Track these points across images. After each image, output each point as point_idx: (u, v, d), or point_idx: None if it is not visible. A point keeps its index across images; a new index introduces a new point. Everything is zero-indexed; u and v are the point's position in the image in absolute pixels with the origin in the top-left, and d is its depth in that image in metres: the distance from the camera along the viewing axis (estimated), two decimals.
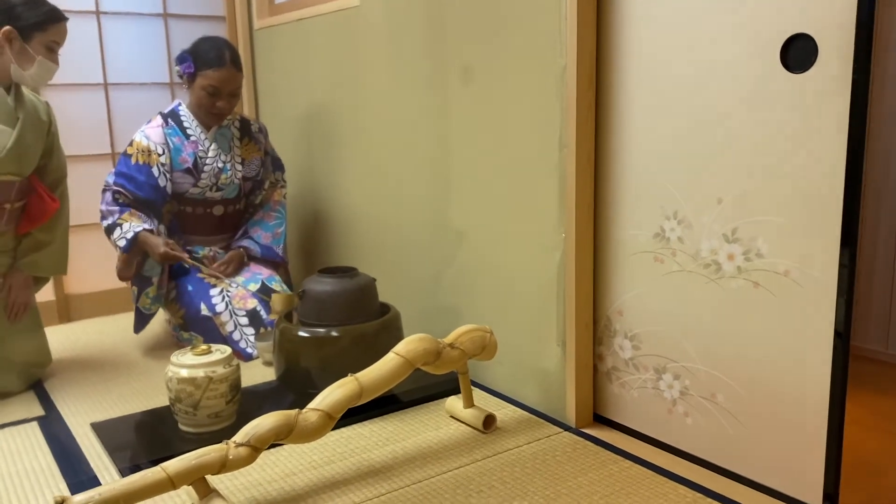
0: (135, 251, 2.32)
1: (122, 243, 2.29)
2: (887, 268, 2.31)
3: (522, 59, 1.77)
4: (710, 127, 1.47)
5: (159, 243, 2.27)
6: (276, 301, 2.28)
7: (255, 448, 1.43)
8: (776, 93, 1.35)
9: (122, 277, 2.40)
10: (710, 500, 1.43)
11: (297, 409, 1.49)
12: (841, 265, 1.30)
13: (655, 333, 1.64)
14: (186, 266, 2.38)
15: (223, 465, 1.39)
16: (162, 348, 2.45)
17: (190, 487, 1.40)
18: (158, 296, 2.41)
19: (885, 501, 1.50)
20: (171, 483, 1.34)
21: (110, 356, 2.41)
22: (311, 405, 1.51)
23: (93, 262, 2.82)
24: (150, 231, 2.30)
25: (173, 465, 1.36)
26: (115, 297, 2.87)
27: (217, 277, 2.42)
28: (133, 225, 2.30)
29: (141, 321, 2.45)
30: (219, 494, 1.40)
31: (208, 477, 1.40)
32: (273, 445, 1.63)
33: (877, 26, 1.23)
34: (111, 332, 2.67)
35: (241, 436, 1.43)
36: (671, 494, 1.45)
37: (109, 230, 2.33)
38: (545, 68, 1.71)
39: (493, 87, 1.87)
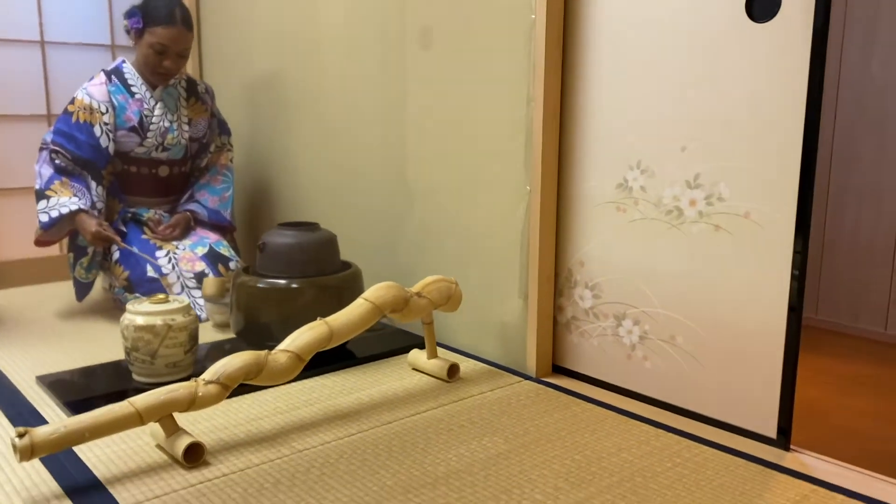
0: (57, 229, 2.23)
1: (44, 219, 2.19)
2: (816, 236, 2.45)
3: (491, 12, 1.80)
4: (675, 76, 1.53)
5: (92, 223, 2.18)
6: (208, 285, 2.23)
7: (225, 386, 1.40)
8: (740, 42, 1.42)
9: (38, 244, 2.31)
10: (671, 434, 1.49)
11: (266, 350, 1.47)
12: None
13: (616, 281, 1.69)
14: (119, 247, 2.26)
15: (192, 402, 1.36)
16: (101, 312, 2.37)
17: (156, 427, 1.37)
18: (93, 263, 2.33)
19: (828, 437, 1.60)
20: (139, 418, 1.30)
21: (48, 320, 2.30)
22: (281, 346, 1.49)
23: (26, 228, 2.69)
24: (83, 210, 2.20)
25: (142, 399, 1.32)
26: (48, 265, 2.75)
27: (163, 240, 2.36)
28: (61, 201, 2.19)
29: (81, 290, 2.36)
30: (186, 432, 1.37)
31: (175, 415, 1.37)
32: (237, 393, 1.62)
33: None
34: (46, 299, 2.56)
35: (210, 374, 1.40)
36: (634, 430, 1.50)
37: (37, 196, 2.23)
38: (514, 22, 1.74)
39: (460, 42, 1.89)
